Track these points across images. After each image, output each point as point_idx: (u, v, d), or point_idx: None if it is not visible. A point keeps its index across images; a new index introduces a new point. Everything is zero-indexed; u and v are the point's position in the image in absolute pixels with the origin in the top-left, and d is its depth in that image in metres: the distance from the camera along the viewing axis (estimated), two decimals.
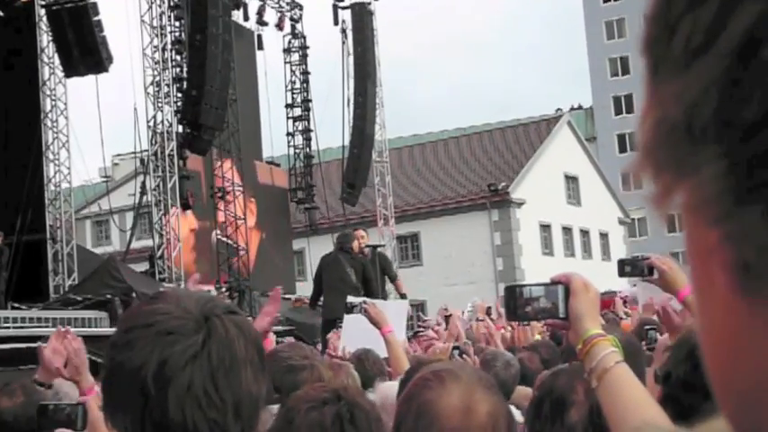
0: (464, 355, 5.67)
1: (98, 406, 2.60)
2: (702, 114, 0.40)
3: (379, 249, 12.83)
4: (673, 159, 0.43)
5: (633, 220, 54.63)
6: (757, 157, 0.39)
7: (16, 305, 15.84)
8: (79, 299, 15.50)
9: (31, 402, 3.78)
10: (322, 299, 12.02)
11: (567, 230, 44.18)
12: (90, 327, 14.07)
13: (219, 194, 22.68)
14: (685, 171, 0.42)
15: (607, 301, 11.67)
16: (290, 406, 2.24)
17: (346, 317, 6.94)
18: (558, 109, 57.82)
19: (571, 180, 45.24)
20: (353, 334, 6.08)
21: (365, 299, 5.95)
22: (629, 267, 3.58)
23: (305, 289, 23.94)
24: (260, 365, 1.51)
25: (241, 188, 23.53)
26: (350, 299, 6.31)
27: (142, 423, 1.42)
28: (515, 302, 2.22)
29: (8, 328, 12.74)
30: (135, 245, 21.93)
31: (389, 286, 14.18)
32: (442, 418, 1.96)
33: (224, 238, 22.44)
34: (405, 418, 2.01)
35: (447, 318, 10.08)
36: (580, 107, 68.07)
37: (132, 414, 1.43)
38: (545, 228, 42.59)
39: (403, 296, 13.64)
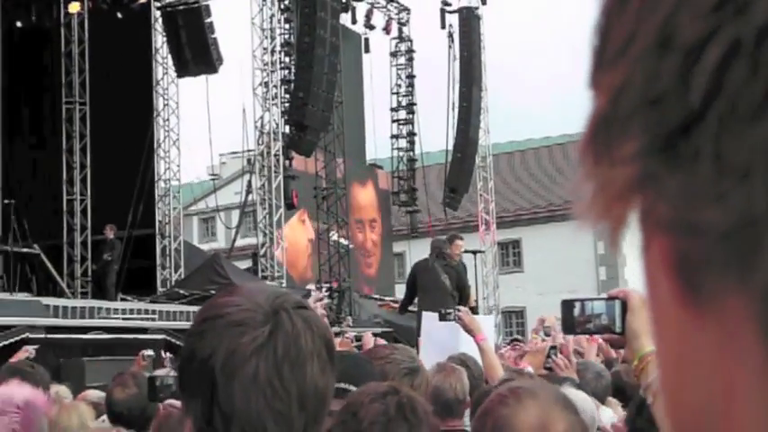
0: (559, 355, 5.61)
1: None
2: (625, 99, 0.42)
3: (467, 253, 12.62)
4: (603, 151, 0.44)
5: None
6: (676, 128, 0.40)
7: (125, 297, 16.35)
8: (185, 293, 15.89)
9: (143, 394, 3.90)
10: (416, 304, 11.96)
11: None
12: None
13: (323, 195, 22.94)
14: (613, 160, 0.43)
15: None
16: (352, 400, 2.29)
17: (424, 326, 6.96)
18: None
19: None
20: (431, 343, 6.09)
21: (459, 307, 5.95)
22: None
23: (402, 291, 24.04)
24: (327, 360, 1.53)
25: (344, 189, 23.75)
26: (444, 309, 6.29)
27: (211, 411, 1.46)
28: (572, 316, 2.22)
29: (117, 318, 13.15)
30: (239, 242, 22.36)
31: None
32: None
33: (342, 239, 22.67)
34: None
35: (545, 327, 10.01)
36: None
37: (202, 401, 1.47)
38: None
39: (472, 309, 13.58)
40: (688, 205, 0.40)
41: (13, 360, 6.18)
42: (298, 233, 23.29)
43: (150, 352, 7.94)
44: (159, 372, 4.30)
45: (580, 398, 3.75)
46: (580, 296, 2.30)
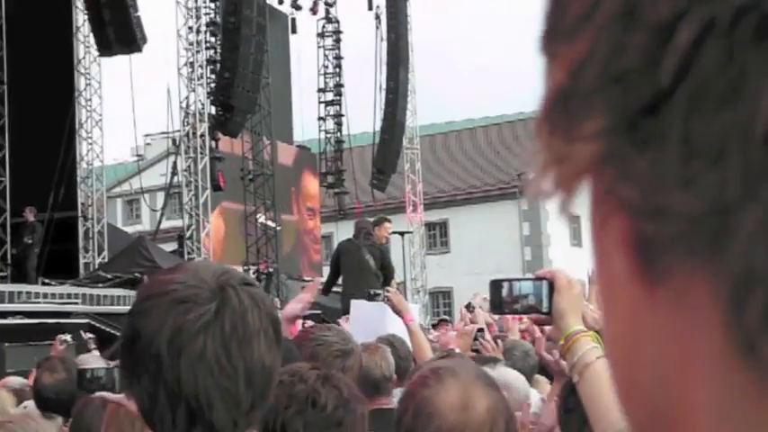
0: (483, 340, 5.66)
1: None
2: (587, 73, 0.40)
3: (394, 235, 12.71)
4: (563, 126, 0.42)
5: None
6: (642, 108, 0.39)
7: (47, 281, 16.03)
8: (109, 276, 15.67)
9: (72, 379, 3.82)
10: (340, 285, 11.98)
11: None
12: (119, 304, 14.22)
13: (250, 177, 22.78)
14: (573, 136, 0.42)
15: None
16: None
17: (353, 305, 6.94)
18: None
19: None
20: (360, 327, 6.09)
21: (388, 288, 5.96)
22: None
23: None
24: (274, 338, 1.52)
25: (272, 170, 23.62)
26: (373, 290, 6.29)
27: (156, 389, 1.44)
28: (500, 296, 2.25)
29: (38, 303, 12.89)
30: (165, 225, 22.09)
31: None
32: (440, 415, 1.97)
33: (269, 222, 22.55)
34: (404, 415, 2.03)
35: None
36: None
37: (147, 380, 1.45)
38: (574, 219, 42.05)
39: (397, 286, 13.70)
40: (654, 188, 0.39)
41: None
42: (224, 215, 23.09)
43: (67, 337, 7.77)
44: (88, 359, 4.21)
45: (513, 376, 3.80)
46: (508, 276, 2.31)
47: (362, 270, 11.16)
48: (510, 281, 2.26)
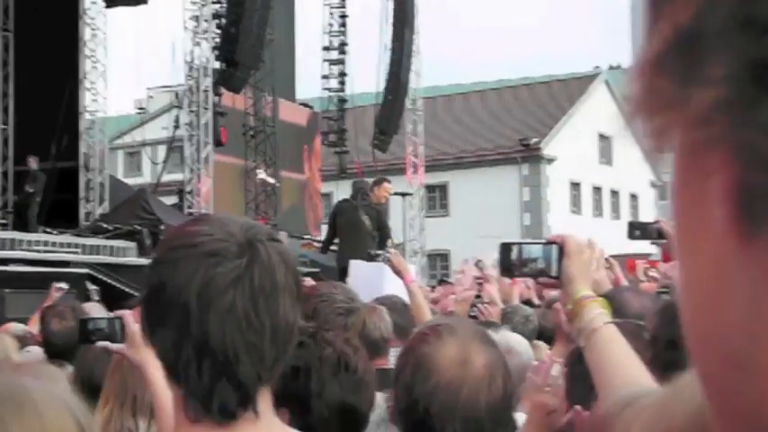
0: (481, 306, 5.73)
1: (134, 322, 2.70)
2: (715, 16, 0.40)
3: (395, 196, 12.68)
4: (680, 69, 0.41)
5: (665, 183, 54.21)
6: None
7: (47, 229, 16.08)
8: (109, 227, 15.71)
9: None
10: (336, 244, 12.01)
11: (596, 190, 43.95)
12: (118, 256, 14.29)
13: (252, 133, 22.75)
14: (694, 79, 0.40)
15: (631, 262, 11.66)
16: None
17: (352, 265, 6.98)
18: (597, 66, 57.16)
19: (604, 139, 44.87)
20: (360, 283, 6.14)
21: (389, 249, 5.99)
22: (638, 231, 3.61)
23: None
24: (297, 294, 1.54)
25: (273, 127, 23.58)
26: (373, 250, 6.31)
27: (181, 341, 1.46)
28: (510, 259, 2.26)
29: (38, 251, 12.96)
30: (166, 178, 22.11)
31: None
32: (439, 371, 2.01)
33: (269, 179, 22.54)
34: (402, 370, 2.07)
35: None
36: (618, 66, 67.21)
37: (173, 331, 1.47)
38: (575, 186, 42.39)
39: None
40: None
41: None
42: (225, 170, 23.09)
43: (63, 285, 7.80)
44: (92, 309, 4.26)
45: (516, 339, 3.84)
46: (518, 239, 2.33)
47: (358, 230, 11.17)
48: (520, 244, 2.26)
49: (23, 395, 1.11)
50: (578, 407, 2.25)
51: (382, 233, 11.50)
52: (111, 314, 2.98)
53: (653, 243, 3.65)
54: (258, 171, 22.46)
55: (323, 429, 2.27)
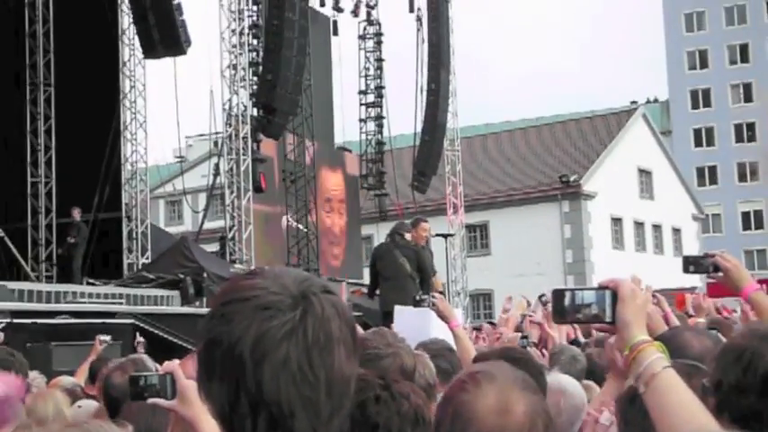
0: (529, 347, 5.66)
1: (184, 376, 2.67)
2: None
3: (438, 237, 12.57)
4: None
5: (707, 216, 53.70)
6: None
7: (91, 281, 16.22)
8: (152, 277, 15.79)
9: None
10: (379, 288, 11.95)
11: (638, 225, 43.61)
12: (162, 305, 14.35)
13: (292, 179, 22.87)
14: None
15: (681, 297, 11.50)
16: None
17: (397, 311, 6.93)
18: (633, 101, 57.04)
19: (644, 174, 44.61)
20: (406, 329, 6.09)
21: (434, 294, 5.94)
22: (692, 266, 3.57)
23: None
24: (353, 347, 1.52)
25: (313, 173, 23.70)
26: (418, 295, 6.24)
27: (236, 395, 1.44)
28: (563, 305, 2.24)
29: (84, 302, 13.05)
30: (207, 226, 22.26)
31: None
32: (478, 420, 1.96)
33: (294, 223, 22.64)
34: (442, 420, 2.02)
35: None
36: (656, 100, 67.02)
37: (228, 386, 1.45)
38: (616, 221, 42.10)
39: (441, 293, 13.62)
40: None
41: None
42: (266, 217, 23.20)
43: (107, 337, 7.80)
44: (144, 360, 4.24)
45: (567, 380, 3.77)
46: (570, 286, 2.30)
47: (397, 272, 11.12)
48: (573, 290, 2.24)
49: None
50: None
51: (423, 275, 11.41)
52: (161, 369, 2.95)
53: (708, 277, 3.59)
54: (300, 217, 22.53)
55: None
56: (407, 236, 11.41)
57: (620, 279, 2.21)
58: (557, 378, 3.66)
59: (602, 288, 2.20)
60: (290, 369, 1.43)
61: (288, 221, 22.89)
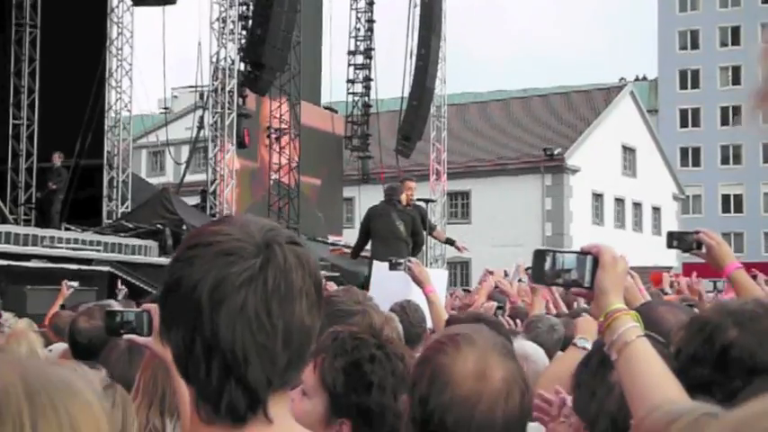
0: (501, 318, 5.70)
1: None
2: None
3: (419, 202, 12.61)
4: None
5: (688, 196, 53.98)
6: None
7: (70, 226, 16.15)
8: (131, 226, 15.75)
9: None
10: (369, 249, 11.94)
11: (619, 201, 43.80)
12: (140, 254, 14.32)
13: (276, 135, 22.78)
14: None
15: (657, 275, 11.57)
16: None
17: (374, 272, 6.94)
18: (622, 78, 57.02)
19: (628, 151, 44.73)
20: (381, 291, 6.09)
21: (410, 258, 5.95)
22: (676, 241, 3.58)
23: (352, 236, 24.08)
24: (316, 299, 1.51)
25: (297, 131, 23.62)
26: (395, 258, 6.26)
27: (192, 339, 1.44)
28: (543, 268, 2.23)
29: (60, 248, 12.99)
30: (188, 178, 22.17)
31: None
32: (456, 384, 1.97)
33: (277, 180, 22.59)
34: (419, 380, 2.03)
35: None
36: (645, 78, 67.03)
37: (185, 329, 1.44)
38: (597, 197, 42.26)
39: (449, 241, 13.63)
40: None
41: None
42: (248, 173, 23.13)
43: (75, 283, 7.76)
44: (114, 305, 4.23)
45: (532, 348, 3.81)
46: (553, 248, 2.29)
47: (392, 234, 11.11)
48: (554, 252, 2.23)
49: (74, 384, 1.10)
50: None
51: (416, 239, 11.44)
52: (139, 308, 2.95)
53: (692, 254, 3.60)
54: (282, 175, 22.47)
55: None
56: (403, 198, 11.43)
57: (602, 245, 2.20)
58: (521, 344, 3.71)
59: (583, 253, 2.20)
60: (247, 316, 1.42)
61: (270, 179, 22.83)
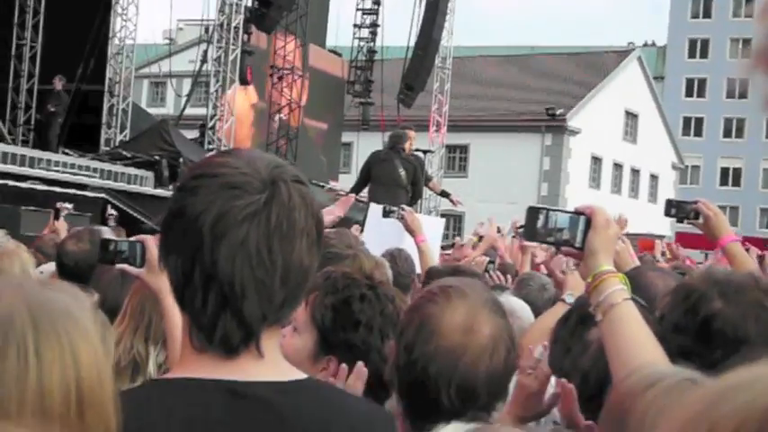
0: (492, 273, 5.71)
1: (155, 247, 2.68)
2: None
3: (417, 152, 12.57)
4: None
5: (687, 166, 53.93)
6: None
7: (67, 151, 16.12)
8: (128, 155, 15.71)
9: (94, 251, 3.83)
10: (365, 194, 11.95)
11: (617, 166, 43.76)
12: (135, 184, 14.31)
13: (279, 75, 22.65)
14: None
15: (649, 243, 11.63)
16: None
17: (370, 214, 6.95)
18: (630, 43, 56.67)
19: (631, 116, 44.59)
20: (375, 235, 6.10)
21: (403, 206, 5.95)
22: (674, 209, 3.58)
23: (347, 181, 24.06)
24: (316, 239, 1.52)
25: (300, 72, 23.47)
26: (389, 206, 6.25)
27: (191, 268, 1.45)
28: (535, 225, 2.23)
29: (57, 171, 12.98)
30: (188, 112, 22.08)
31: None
32: (443, 335, 1.98)
33: (282, 120, 22.50)
34: (407, 328, 2.04)
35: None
36: (653, 44, 66.57)
37: (185, 258, 1.46)
38: (596, 160, 42.21)
39: (443, 193, 13.66)
40: None
41: None
42: (247, 110, 23.02)
43: (69, 205, 7.74)
44: (104, 231, 4.23)
45: (519, 305, 3.82)
46: (547, 205, 2.29)
47: (393, 181, 11.11)
48: (548, 211, 2.23)
49: (74, 311, 1.11)
50: (564, 380, 2.24)
51: (415, 189, 11.46)
52: (133, 238, 2.96)
53: (688, 223, 3.60)
54: (283, 115, 22.37)
55: (375, 382, 2.26)
56: (407, 146, 11.42)
57: (596, 206, 2.21)
58: (507, 299, 3.73)
59: (577, 213, 2.20)
60: (248, 251, 1.44)
61: (272, 118, 22.74)
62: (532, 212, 2.24)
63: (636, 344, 2.03)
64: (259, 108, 23.33)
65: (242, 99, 20.22)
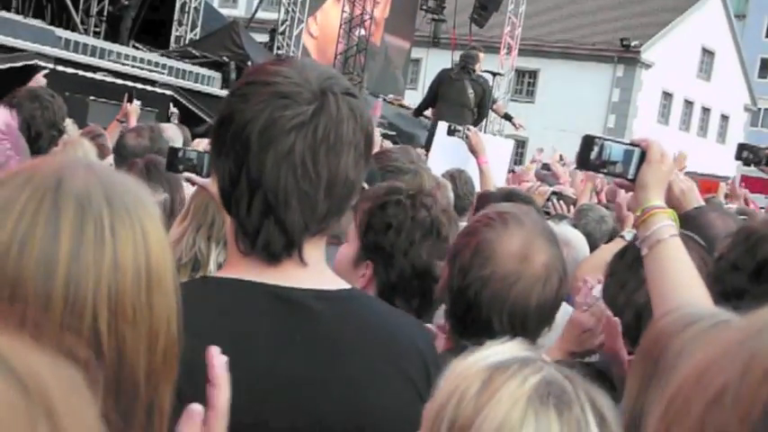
0: (555, 202, 5.67)
1: None
2: None
3: (486, 74, 12.43)
4: None
5: (759, 109, 52.62)
6: None
7: (137, 45, 16.19)
8: (197, 54, 15.75)
9: (152, 148, 3.88)
10: (433, 111, 11.88)
11: (688, 104, 42.86)
12: (202, 83, 14.38)
13: None
14: None
15: (713, 184, 11.44)
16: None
17: (438, 132, 6.95)
18: None
19: (707, 54, 43.47)
20: (441, 153, 6.09)
21: (469, 126, 5.91)
22: (747, 153, 3.52)
23: (413, 97, 23.90)
24: (364, 154, 1.52)
25: None
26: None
27: (239, 173, 1.47)
28: (590, 154, 2.20)
29: (127, 64, 13.07)
30: (260, 15, 21.99)
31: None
32: (498, 261, 1.99)
33: (348, 31, 22.32)
34: (462, 251, 2.04)
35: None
36: None
37: (233, 163, 1.48)
38: (667, 95, 41.36)
39: (506, 116, 13.54)
40: None
41: (32, 84, 5.99)
42: (318, 18, 22.85)
43: (138, 102, 7.80)
44: (167, 129, 4.28)
45: (574, 234, 3.81)
46: (603, 135, 2.27)
47: (461, 101, 11.06)
48: (603, 141, 2.20)
49: (142, 194, 1.13)
50: (610, 313, 2.24)
51: (481, 111, 11.42)
52: (201, 149, 2.99)
53: (760, 169, 3.53)
54: (355, 27, 22.16)
55: (402, 288, 2.29)
56: (477, 67, 11.35)
57: (652, 140, 2.17)
58: (563, 230, 3.71)
59: (633, 145, 2.17)
60: (293, 161, 1.44)
61: (341, 28, 22.55)
62: (588, 142, 2.22)
63: (678, 282, 2.02)
64: (329, 17, 23.12)
65: (311, 6, 20.04)
